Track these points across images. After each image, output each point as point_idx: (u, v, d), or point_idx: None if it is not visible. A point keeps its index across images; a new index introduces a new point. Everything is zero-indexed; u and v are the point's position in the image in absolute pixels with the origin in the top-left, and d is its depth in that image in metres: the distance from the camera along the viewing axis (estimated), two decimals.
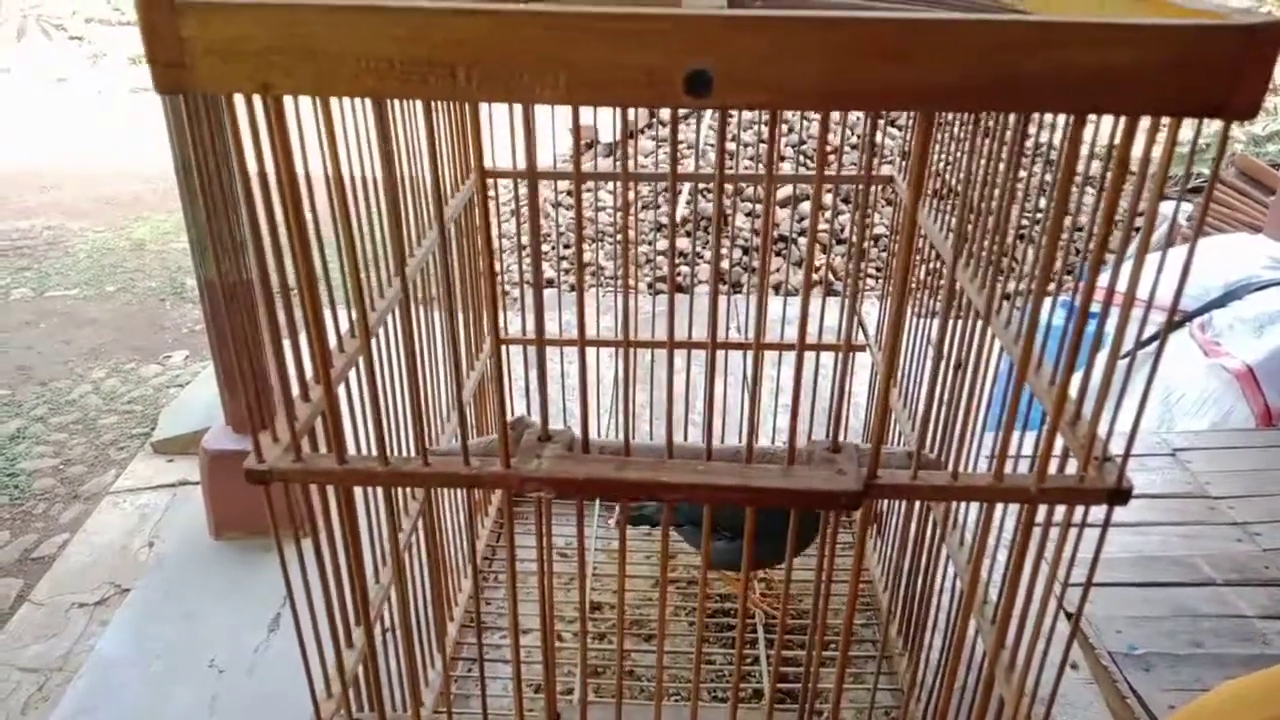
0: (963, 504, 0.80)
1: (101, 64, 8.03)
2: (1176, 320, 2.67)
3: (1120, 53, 0.43)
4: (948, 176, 0.98)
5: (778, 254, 3.97)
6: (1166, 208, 3.85)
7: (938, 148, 1.02)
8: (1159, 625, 1.54)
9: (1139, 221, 0.60)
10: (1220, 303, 2.65)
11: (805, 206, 4.21)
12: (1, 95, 7.34)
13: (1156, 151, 0.49)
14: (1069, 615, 1.55)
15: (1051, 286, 0.69)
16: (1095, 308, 0.56)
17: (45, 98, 7.38)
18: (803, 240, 4.03)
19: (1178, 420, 2.46)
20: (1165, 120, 0.47)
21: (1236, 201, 3.57)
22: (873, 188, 1.31)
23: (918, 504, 0.96)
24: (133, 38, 8.20)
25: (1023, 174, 0.70)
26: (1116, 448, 0.58)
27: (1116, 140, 0.48)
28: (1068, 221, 0.68)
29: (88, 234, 4.70)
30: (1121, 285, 0.56)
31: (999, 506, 0.64)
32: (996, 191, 0.71)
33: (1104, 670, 1.43)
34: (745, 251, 3.99)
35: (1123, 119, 0.46)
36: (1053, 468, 0.57)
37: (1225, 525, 1.83)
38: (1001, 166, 0.71)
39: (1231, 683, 0.89)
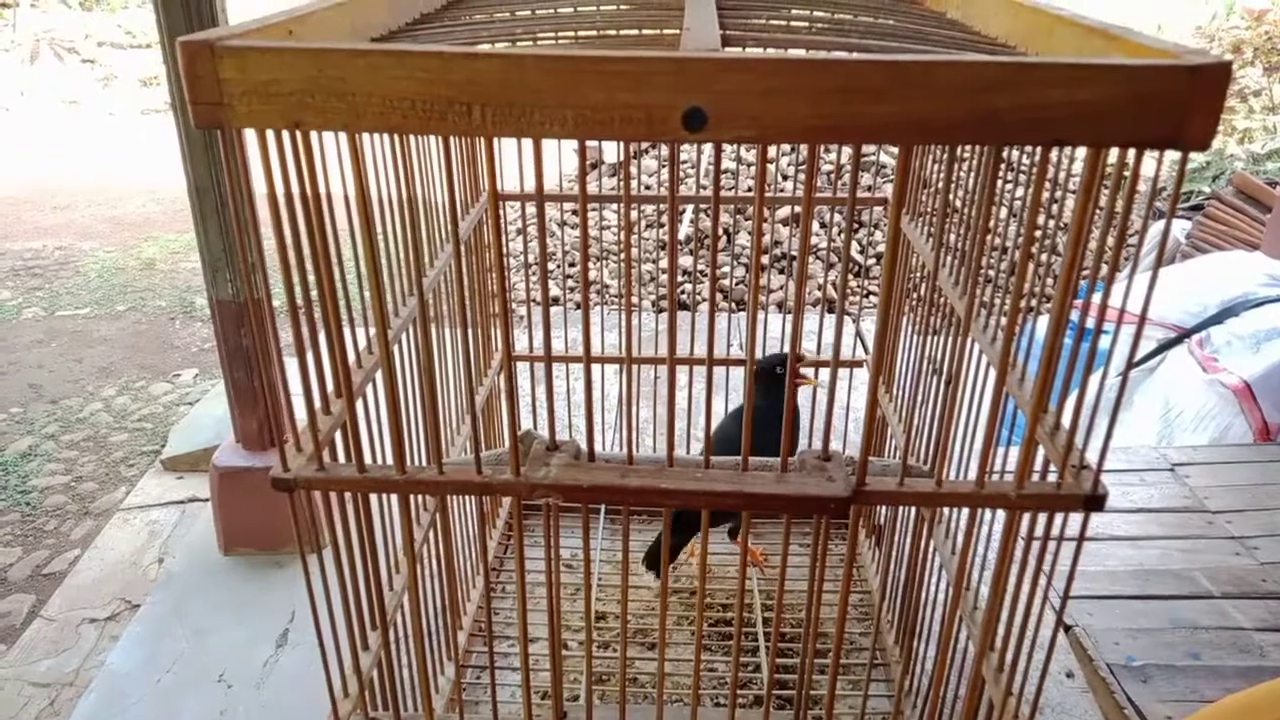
0: (958, 516, 0.83)
1: (113, 86, 8.15)
2: (1174, 337, 2.70)
3: (1084, 90, 0.47)
4: (950, 197, 1.01)
5: (780, 272, 4.01)
6: (1162, 226, 3.89)
7: (938, 168, 1.06)
8: (1157, 637, 1.56)
9: (1131, 242, 0.64)
10: (1218, 319, 2.68)
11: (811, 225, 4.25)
12: (15, 118, 7.45)
13: (1148, 174, 0.53)
14: (1066, 627, 1.57)
15: (1036, 304, 0.72)
16: (1089, 325, 0.59)
17: (57, 120, 7.50)
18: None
19: (1177, 436, 2.49)
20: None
21: (1234, 219, 3.60)
22: (878, 208, 1.34)
23: (913, 516, 0.99)
24: (143, 61, 8.33)
25: (1017, 196, 0.74)
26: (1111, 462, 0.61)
27: (1114, 167, 0.51)
28: (1047, 240, 0.72)
29: (98, 254, 4.76)
30: (1111, 302, 0.59)
31: (986, 513, 0.67)
32: (975, 211, 0.74)
33: (1101, 681, 1.45)
34: (748, 270, 4.03)
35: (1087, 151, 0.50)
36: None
37: (1223, 539, 1.85)
38: (1014, 189, 0.75)
39: (1239, 694, 0.91)
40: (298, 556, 0.62)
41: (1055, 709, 1.32)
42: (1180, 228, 3.88)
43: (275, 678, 1.72)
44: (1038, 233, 0.67)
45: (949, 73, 0.46)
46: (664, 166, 3.78)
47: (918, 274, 1.10)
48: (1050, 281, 0.63)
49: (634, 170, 4.34)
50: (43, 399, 3.28)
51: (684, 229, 4.13)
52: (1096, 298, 0.59)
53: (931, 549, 0.89)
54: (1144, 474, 2.09)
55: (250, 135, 0.53)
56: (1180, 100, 0.45)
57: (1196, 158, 4.79)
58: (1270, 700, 0.86)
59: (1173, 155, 0.51)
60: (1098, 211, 0.55)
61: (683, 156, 4.42)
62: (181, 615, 1.89)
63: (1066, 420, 0.60)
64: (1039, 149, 0.52)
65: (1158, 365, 2.67)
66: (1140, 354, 2.69)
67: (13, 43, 8.28)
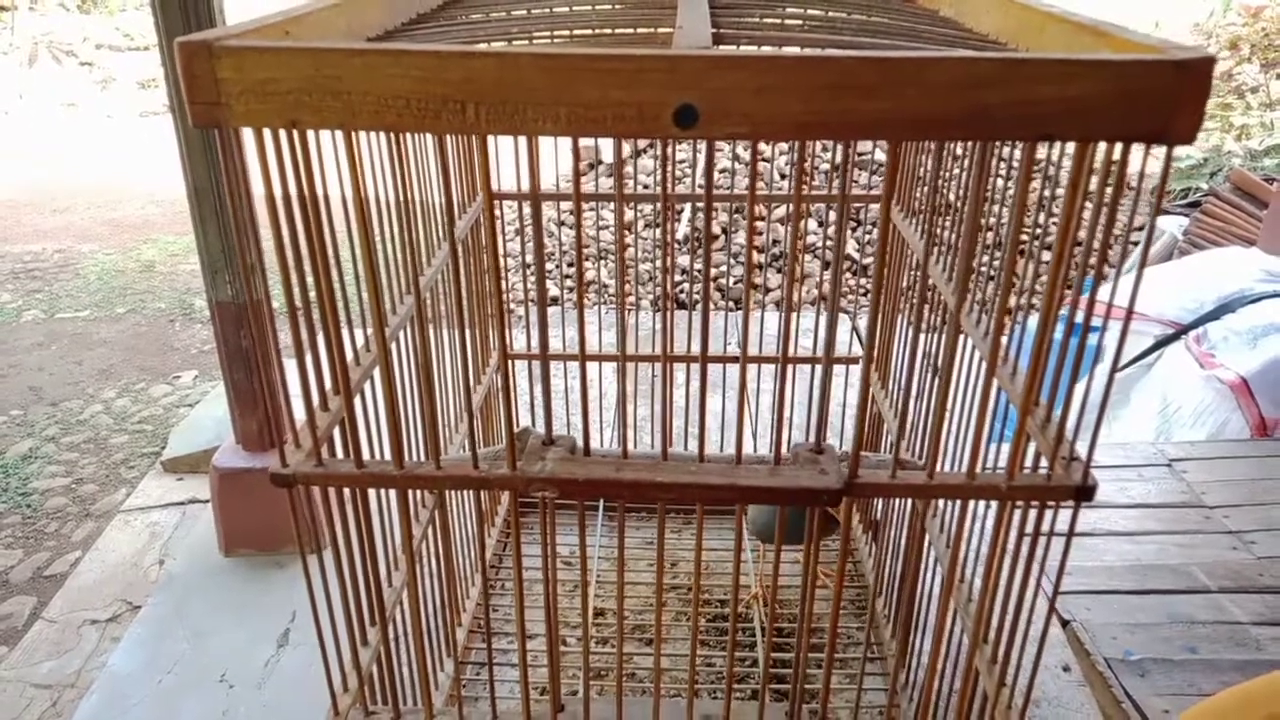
0: (952, 510, 0.84)
1: (111, 89, 8.15)
2: (1172, 333, 2.71)
3: (1073, 86, 0.47)
4: (947, 193, 1.02)
5: (778, 271, 4.01)
6: (1161, 222, 3.89)
7: (933, 163, 1.06)
8: (1155, 631, 1.56)
9: (1134, 236, 0.65)
10: (1215, 315, 2.69)
11: (807, 224, 4.26)
12: (14, 121, 7.46)
13: (1151, 172, 0.53)
14: (1064, 622, 1.58)
15: (1028, 300, 0.73)
16: (1095, 321, 0.60)
17: (56, 123, 7.50)
18: (805, 256, 4.08)
19: (1175, 431, 2.50)
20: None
21: (1231, 215, 3.61)
22: (876, 206, 1.35)
23: (909, 512, 0.99)
24: (141, 63, 8.34)
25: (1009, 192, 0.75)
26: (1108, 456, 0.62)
27: (1113, 163, 0.52)
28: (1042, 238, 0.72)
29: (97, 256, 4.77)
30: (1108, 299, 0.59)
31: (980, 507, 0.68)
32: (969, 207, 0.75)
33: (1099, 675, 1.45)
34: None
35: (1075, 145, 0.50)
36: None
37: (1220, 534, 1.85)
38: (1004, 184, 0.75)
39: (1235, 687, 0.92)
40: (298, 557, 0.63)
41: (1052, 703, 1.33)
42: (1178, 224, 3.89)
43: (276, 678, 1.72)
44: (1037, 229, 0.68)
45: (940, 69, 0.47)
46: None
47: (916, 270, 1.11)
48: (1044, 278, 0.64)
49: (631, 170, 4.34)
50: (43, 401, 3.29)
51: (683, 228, 4.14)
52: (1094, 293, 0.60)
53: (926, 542, 0.90)
54: (1141, 469, 2.10)
55: (248, 137, 0.53)
56: (1166, 95, 0.46)
57: (1194, 154, 4.80)
58: (1267, 693, 0.87)
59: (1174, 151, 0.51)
60: (1089, 207, 0.56)
61: (681, 156, 4.43)
62: (182, 616, 1.89)
63: (1057, 413, 0.61)
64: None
65: (1155, 361, 2.68)
66: (1138, 350, 2.70)
67: (11, 45, 8.29)
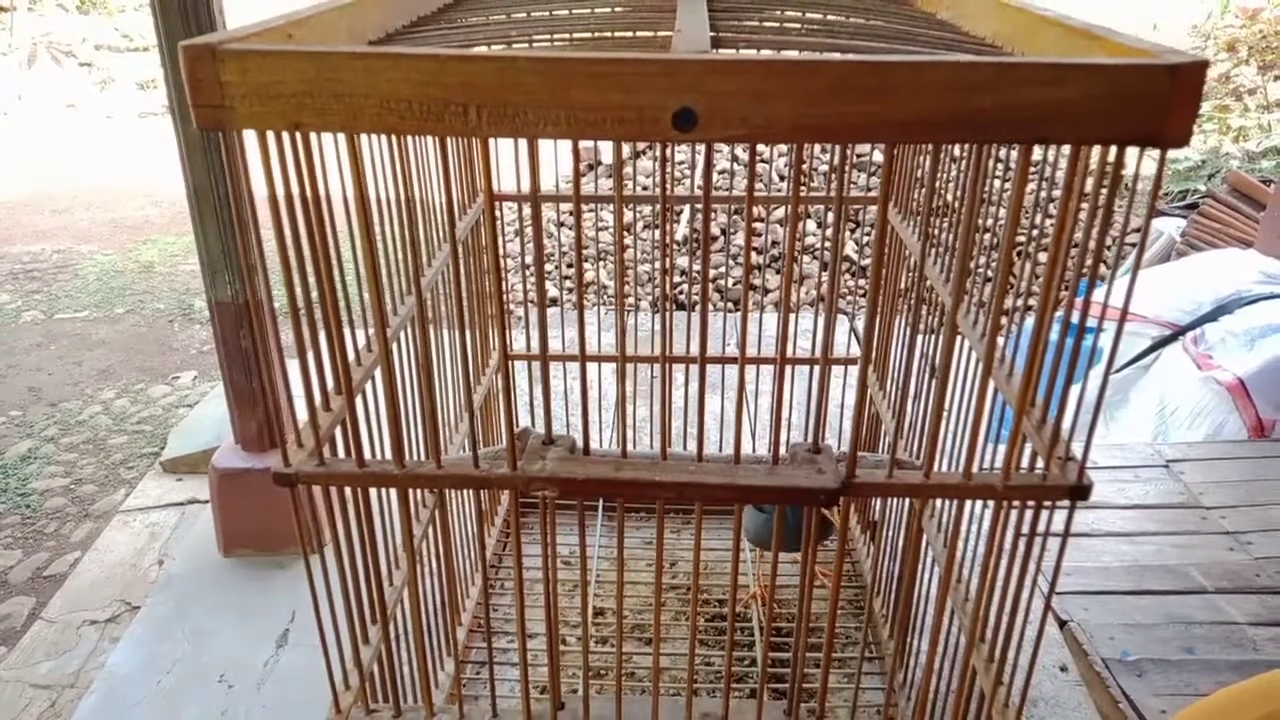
0: (951, 510, 0.84)
1: (110, 90, 8.15)
2: (1169, 334, 2.71)
3: (1065, 90, 0.48)
4: (947, 195, 1.02)
5: (777, 273, 4.02)
6: (1159, 224, 3.90)
7: (930, 165, 1.06)
8: (1152, 632, 1.57)
9: (1131, 238, 0.65)
10: (1212, 317, 2.70)
11: (807, 225, 4.27)
12: (13, 121, 7.46)
13: (1148, 173, 0.54)
14: (1061, 622, 1.59)
15: (1024, 302, 0.74)
16: (1091, 322, 0.60)
17: (55, 123, 7.50)
18: (805, 258, 4.09)
19: (1172, 432, 2.50)
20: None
21: (1228, 217, 3.61)
22: (872, 207, 1.36)
23: (907, 512, 1.00)
24: (140, 64, 8.34)
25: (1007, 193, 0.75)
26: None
27: (1107, 165, 0.52)
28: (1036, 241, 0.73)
29: (97, 257, 4.77)
30: (1105, 301, 0.60)
31: (978, 507, 0.69)
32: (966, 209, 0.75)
33: (1096, 675, 1.46)
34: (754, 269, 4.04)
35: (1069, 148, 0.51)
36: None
37: (1217, 535, 1.86)
38: (1000, 184, 0.76)
39: (1231, 687, 0.93)
40: (298, 557, 0.63)
41: (1049, 703, 1.33)
42: (1175, 226, 3.90)
43: (276, 678, 1.72)
44: (1034, 231, 0.68)
45: (934, 73, 0.47)
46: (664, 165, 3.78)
47: (914, 272, 1.11)
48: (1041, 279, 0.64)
49: (631, 171, 4.35)
50: (42, 402, 3.29)
51: (682, 229, 4.15)
52: (1089, 295, 0.60)
53: (923, 542, 0.90)
54: (1139, 470, 2.11)
55: (250, 138, 0.54)
56: (1159, 99, 0.47)
57: (1192, 156, 4.81)
58: (1261, 693, 0.87)
59: (1169, 155, 0.52)
60: (1084, 209, 0.56)
61: (681, 157, 4.43)
62: (182, 616, 1.89)
63: (1053, 414, 0.62)
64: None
65: (1153, 363, 2.69)
66: (1136, 351, 2.71)
67: (10, 46, 8.29)
